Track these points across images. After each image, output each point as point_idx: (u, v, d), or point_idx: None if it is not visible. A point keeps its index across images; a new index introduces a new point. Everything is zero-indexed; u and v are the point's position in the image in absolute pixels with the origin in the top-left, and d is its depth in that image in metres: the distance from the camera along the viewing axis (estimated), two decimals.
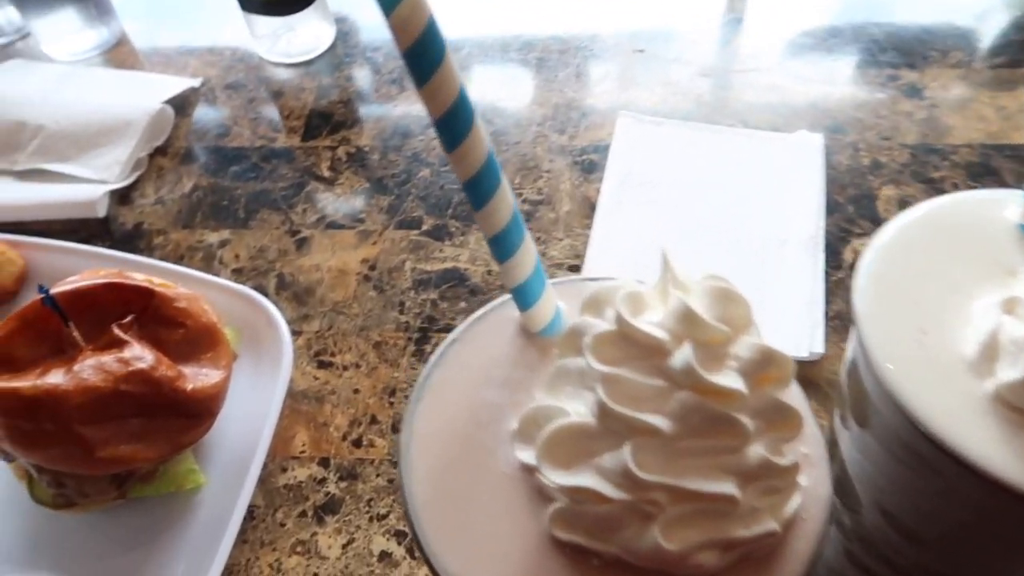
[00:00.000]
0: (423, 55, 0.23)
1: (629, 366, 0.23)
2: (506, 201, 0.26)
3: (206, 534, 0.49)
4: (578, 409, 0.24)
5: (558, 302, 0.29)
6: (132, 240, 0.67)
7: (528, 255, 0.27)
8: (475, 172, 0.25)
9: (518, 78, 0.76)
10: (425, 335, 0.58)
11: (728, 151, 0.65)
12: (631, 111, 0.70)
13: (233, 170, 0.71)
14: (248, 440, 0.51)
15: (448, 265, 0.62)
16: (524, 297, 0.28)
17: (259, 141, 0.74)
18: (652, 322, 0.23)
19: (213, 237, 0.66)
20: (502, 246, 0.27)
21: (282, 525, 0.50)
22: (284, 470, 0.52)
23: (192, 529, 0.49)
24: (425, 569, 0.47)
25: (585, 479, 0.23)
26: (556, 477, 0.23)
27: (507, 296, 0.30)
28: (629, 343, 0.23)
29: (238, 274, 0.63)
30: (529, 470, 0.25)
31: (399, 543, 0.48)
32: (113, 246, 0.64)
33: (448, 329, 0.58)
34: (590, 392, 0.24)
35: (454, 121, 0.25)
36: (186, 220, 0.68)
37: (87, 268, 0.61)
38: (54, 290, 0.49)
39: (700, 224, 0.60)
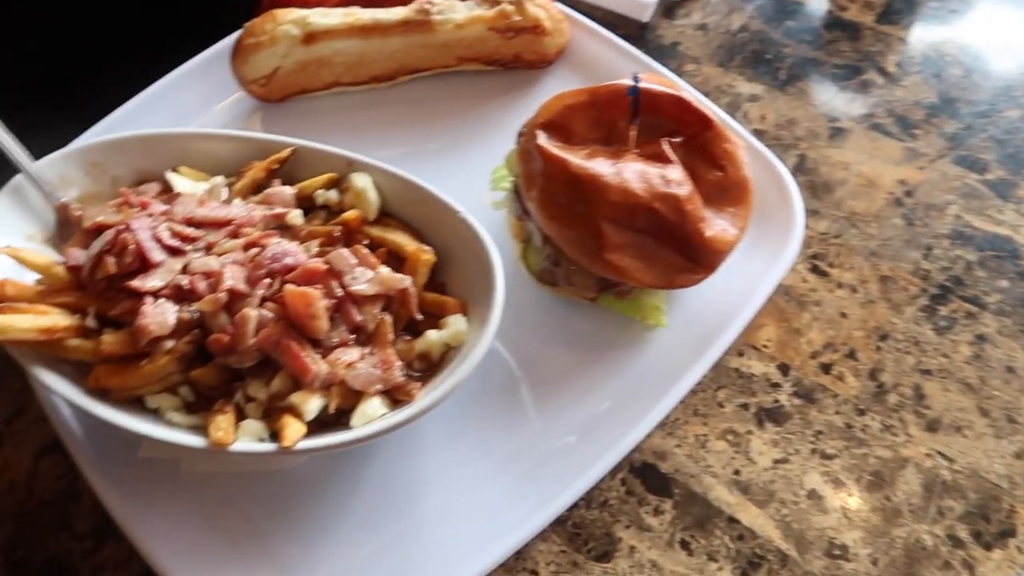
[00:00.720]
0: None
1: None
2: None
3: (650, 375, 0.48)
4: None
5: None
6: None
7: None
8: None
9: None
10: (945, 296, 0.49)
11: None
12: None
13: (788, 25, 0.65)
14: (722, 309, 0.49)
15: (1003, 231, 0.52)
16: None
17: (827, 4, 0.66)
18: None
19: (744, 87, 0.62)
20: None
21: (720, 406, 0.48)
22: (740, 354, 0.50)
23: (637, 364, 0.49)
24: (856, 534, 0.42)
25: None
26: None
27: None
28: None
29: (758, 136, 0.58)
30: None
31: (836, 490, 0.44)
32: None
33: (976, 301, 0.49)
34: None
35: None
36: (722, 58, 0.64)
37: (622, 67, 0.60)
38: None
39: None
